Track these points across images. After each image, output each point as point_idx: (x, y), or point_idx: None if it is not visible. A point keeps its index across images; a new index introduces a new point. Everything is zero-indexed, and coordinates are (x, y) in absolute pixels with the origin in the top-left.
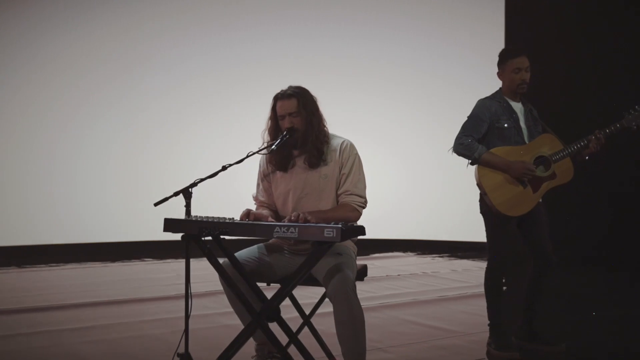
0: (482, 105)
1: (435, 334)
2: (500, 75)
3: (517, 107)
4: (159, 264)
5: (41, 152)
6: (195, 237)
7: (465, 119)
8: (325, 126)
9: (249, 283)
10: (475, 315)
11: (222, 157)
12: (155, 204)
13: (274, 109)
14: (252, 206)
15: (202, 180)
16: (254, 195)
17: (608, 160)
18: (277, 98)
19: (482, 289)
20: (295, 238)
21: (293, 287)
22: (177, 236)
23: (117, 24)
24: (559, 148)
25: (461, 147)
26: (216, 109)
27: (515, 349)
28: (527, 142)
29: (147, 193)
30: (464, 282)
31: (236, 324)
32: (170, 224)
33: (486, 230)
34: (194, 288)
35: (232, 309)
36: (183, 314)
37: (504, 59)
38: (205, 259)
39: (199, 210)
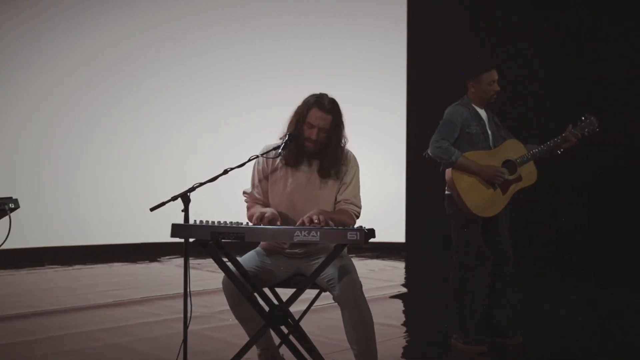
0: (455, 112)
1: (396, 332)
2: (472, 85)
3: (483, 114)
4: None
5: (42, 152)
6: (205, 242)
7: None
8: (344, 144)
9: (257, 289)
10: (418, 311)
11: (223, 155)
12: (152, 209)
13: (307, 112)
14: (243, 204)
15: (201, 184)
16: (248, 191)
17: (568, 163)
18: (315, 105)
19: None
20: (317, 242)
21: (303, 291)
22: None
23: (116, 25)
24: (523, 152)
25: (439, 151)
26: (217, 108)
27: (484, 343)
28: (492, 147)
29: (144, 194)
30: (389, 282)
31: (199, 329)
32: (178, 230)
33: (454, 231)
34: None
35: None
36: (138, 321)
37: (479, 71)
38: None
39: (193, 213)
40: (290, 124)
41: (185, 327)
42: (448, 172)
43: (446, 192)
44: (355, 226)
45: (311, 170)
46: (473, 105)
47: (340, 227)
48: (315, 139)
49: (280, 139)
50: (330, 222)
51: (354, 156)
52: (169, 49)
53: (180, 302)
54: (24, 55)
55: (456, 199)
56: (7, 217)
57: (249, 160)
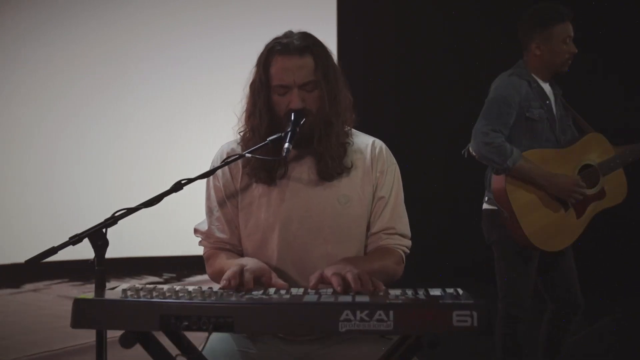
0: (510, 85)
1: None
2: (538, 46)
3: (547, 89)
4: None
5: (40, 154)
6: (146, 335)
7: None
8: (351, 107)
9: None
10: None
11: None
12: (27, 262)
13: (266, 72)
14: (195, 247)
15: (130, 211)
16: (203, 229)
17: None
18: (277, 52)
19: None
20: (390, 332)
21: None
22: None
23: (115, 25)
24: (609, 154)
25: (489, 150)
26: (216, 108)
27: None
28: (558, 142)
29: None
30: None
31: None
32: (90, 309)
33: (501, 266)
34: None
35: None
36: None
37: (549, 23)
38: None
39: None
40: (249, 109)
41: None
42: (498, 180)
43: (487, 206)
44: (465, 299)
45: (312, 178)
46: (534, 75)
47: (441, 302)
48: (303, 107)
49: (240, 133)
50: (378, 283)
51: (386, 147)
52: (168, 49)
53: None
54: (21, 57)
55: (507, 220)
56: None
57: (225, 163)
